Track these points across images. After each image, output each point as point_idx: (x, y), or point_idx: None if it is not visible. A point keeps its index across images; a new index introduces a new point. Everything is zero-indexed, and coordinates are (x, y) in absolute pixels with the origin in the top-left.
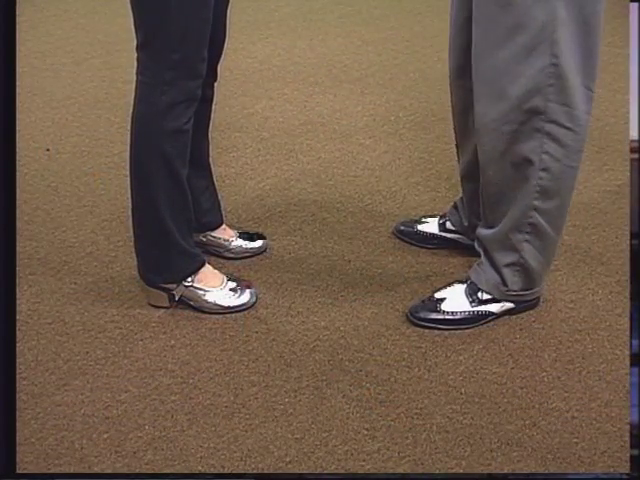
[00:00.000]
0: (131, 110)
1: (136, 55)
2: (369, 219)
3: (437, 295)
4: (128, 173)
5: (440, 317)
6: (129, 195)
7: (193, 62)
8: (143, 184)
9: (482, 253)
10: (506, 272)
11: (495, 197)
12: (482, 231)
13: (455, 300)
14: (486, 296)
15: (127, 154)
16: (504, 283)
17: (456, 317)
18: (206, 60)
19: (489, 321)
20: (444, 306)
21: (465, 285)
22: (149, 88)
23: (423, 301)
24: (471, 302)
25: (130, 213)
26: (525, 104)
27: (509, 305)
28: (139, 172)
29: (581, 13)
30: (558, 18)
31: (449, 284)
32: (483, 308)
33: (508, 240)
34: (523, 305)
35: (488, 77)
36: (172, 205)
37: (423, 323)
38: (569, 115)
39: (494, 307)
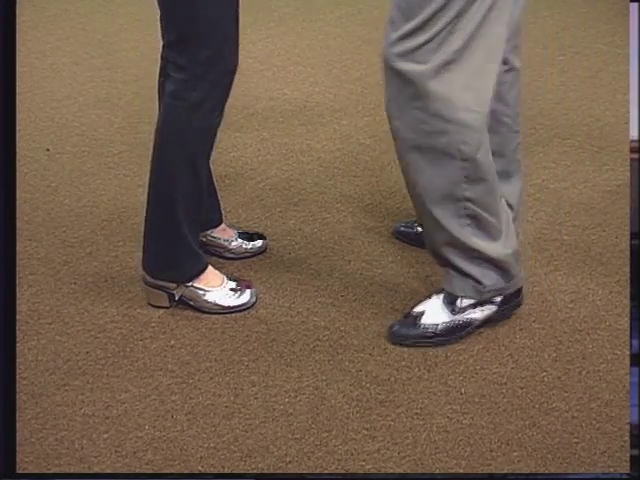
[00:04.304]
0: (158, 107)
1: (163, 54)
2: (369, 219)
3: (416, 310)
4: (149, 169)
5: (420, 332)
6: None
7: (224, 57)
8: (164, 182)
9: (446, 265)
10: (474, 270)
11: (426, 204)
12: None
13: (434, 312)
14: (465, 302)
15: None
16: (479, 281)
17: (437, 330)
18: (237, 55)
19: (473, 329)
20: (424, 319)
21: (442, 296)
22: (180, 84)
23: (404, 316)
24: (451, 311)
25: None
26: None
27: (491, 307)
28: (163, 169)
29: None
30: None
31: (428, 296)
32: (464, 316)
33: (455, 239)
34: (505, 307)
35: None
36: (188, 205)
37: (406, 342)
38: (477, 99)
39: (476, 314)
